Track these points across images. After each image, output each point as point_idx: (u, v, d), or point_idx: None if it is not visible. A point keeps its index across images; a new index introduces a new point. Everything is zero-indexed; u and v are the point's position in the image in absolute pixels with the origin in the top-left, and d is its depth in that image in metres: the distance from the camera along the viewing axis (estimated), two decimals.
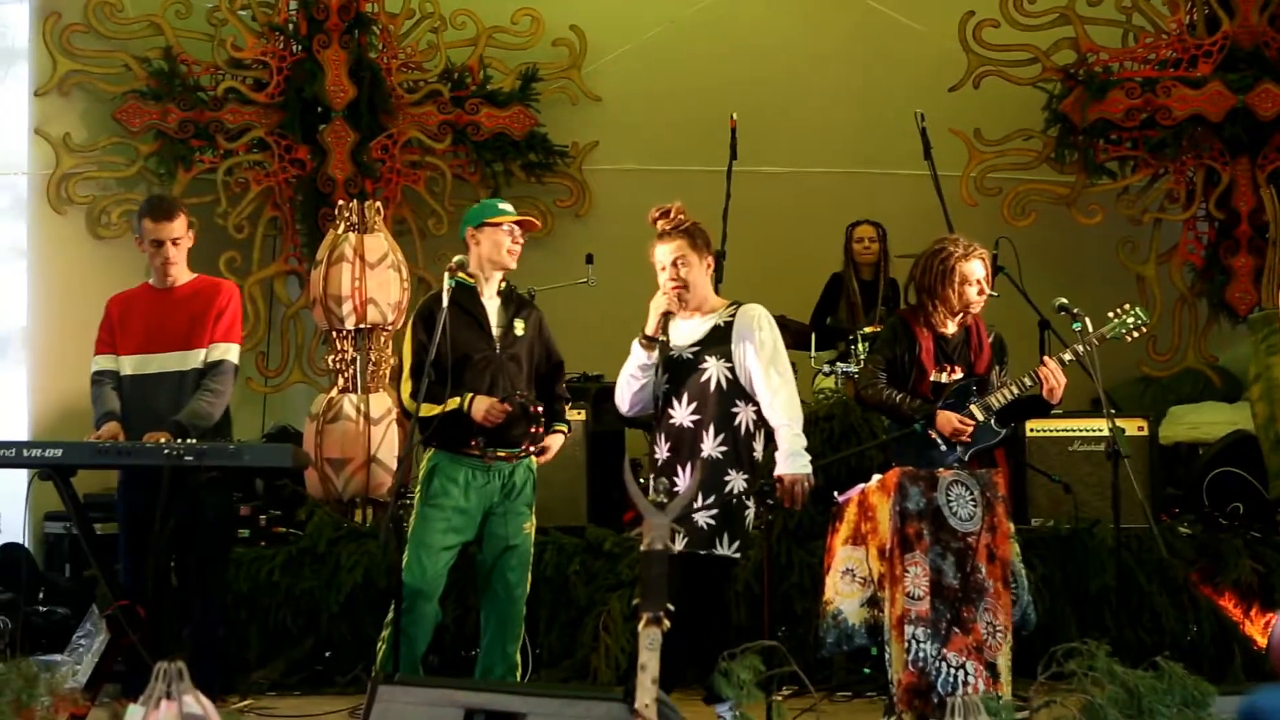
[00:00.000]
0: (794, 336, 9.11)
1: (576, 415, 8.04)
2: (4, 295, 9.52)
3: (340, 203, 8.53)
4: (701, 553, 5.84)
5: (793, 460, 5.93)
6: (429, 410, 6.18)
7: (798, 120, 10.37)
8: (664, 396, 6.10)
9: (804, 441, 6.00)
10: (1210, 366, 9.65)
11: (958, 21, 9.69)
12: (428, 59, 9.99)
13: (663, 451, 6.07)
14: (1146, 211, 9.74)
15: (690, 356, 6.02)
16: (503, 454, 6.20)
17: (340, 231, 8.34)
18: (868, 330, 8.51)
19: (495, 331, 6.30)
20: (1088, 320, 6.49)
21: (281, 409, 9.92)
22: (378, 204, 8.42)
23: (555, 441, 6.40)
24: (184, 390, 6.59)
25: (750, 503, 5.96)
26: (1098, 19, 9.66)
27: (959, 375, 6.47)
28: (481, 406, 6.10)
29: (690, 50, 10.36)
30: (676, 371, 6.05)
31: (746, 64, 10.33)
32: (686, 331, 6.10)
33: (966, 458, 6.34)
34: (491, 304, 6.36)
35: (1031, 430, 8.09)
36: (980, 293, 6.52)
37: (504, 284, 6.40)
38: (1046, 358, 6.45)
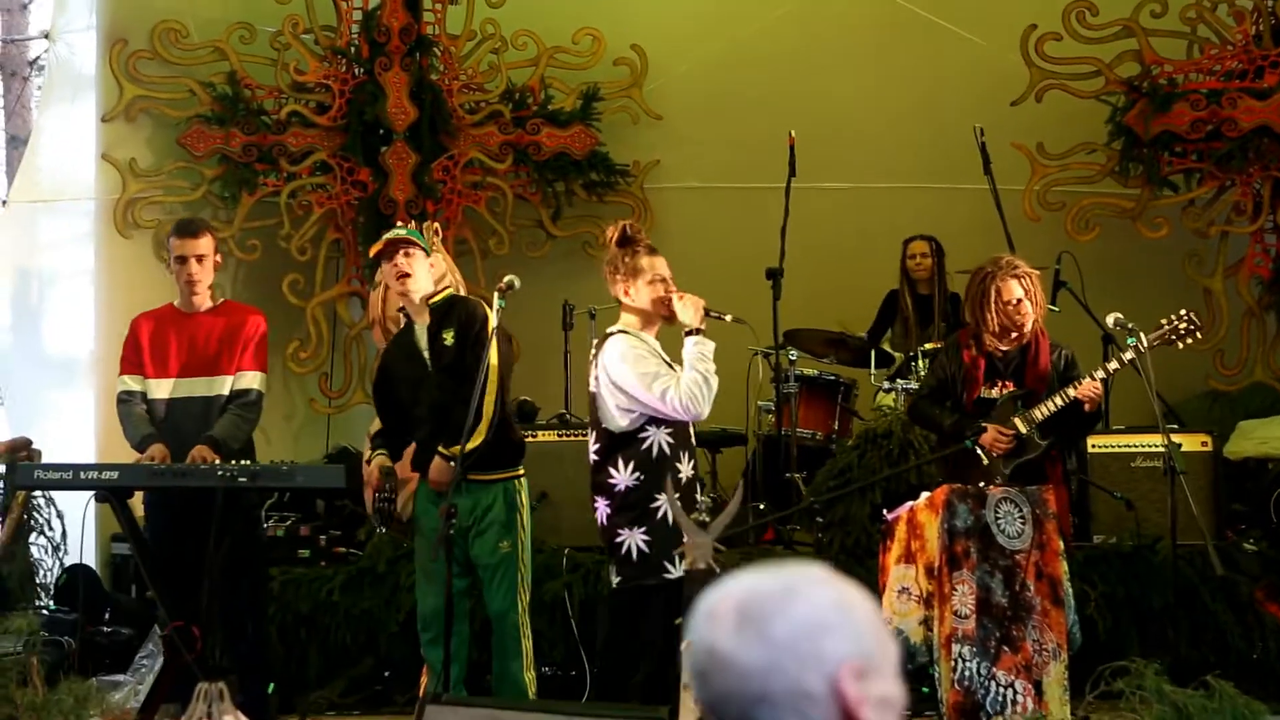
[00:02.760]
0: (853, 353, 9.12)
1: None
2: (73, 319, 9.67)
3: (399, 224, 8.60)
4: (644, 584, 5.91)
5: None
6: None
7: (859, 136, 10.34)
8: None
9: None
10: (1279, 380, 9.51)
11: (1019, 35, 9.60)
12: (489, 80, 10.02)
13: (688, 470, 6.20)
14: (1213, 224, 9.62)
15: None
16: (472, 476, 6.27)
17: None
18: (928, 346, 8.48)
19: (426, 355, 6.35)
20: (1142, 335, 6.45)
21: (345, 430, 9.99)
22: (435, 224, 8.46)
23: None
24: (210, 415, 6.72)
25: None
26: (1161, 30, 9.54)
27: (1010, 389, 6.46)
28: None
29: (751, 67, 10.35)
30: None
31: (807, 80, 10.31)
32: None
33: (1009, 471, 6.32)
34: (421, 326, 6.42)
35: (1094, 446, 8.05)
36: (1020, 311, 6.50)
37: (440, 298, 6.43)
38: (1089, 375, 6.47)
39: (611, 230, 6.31)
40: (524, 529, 6.48)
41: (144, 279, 9.41)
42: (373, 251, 6.66)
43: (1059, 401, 6.41)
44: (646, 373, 5.98)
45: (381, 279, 8.30)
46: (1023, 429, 6.42)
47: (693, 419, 6.10)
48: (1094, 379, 6.47)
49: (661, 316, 6.19)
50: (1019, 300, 6.53)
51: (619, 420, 6.06)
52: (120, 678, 7.22)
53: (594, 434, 6.21)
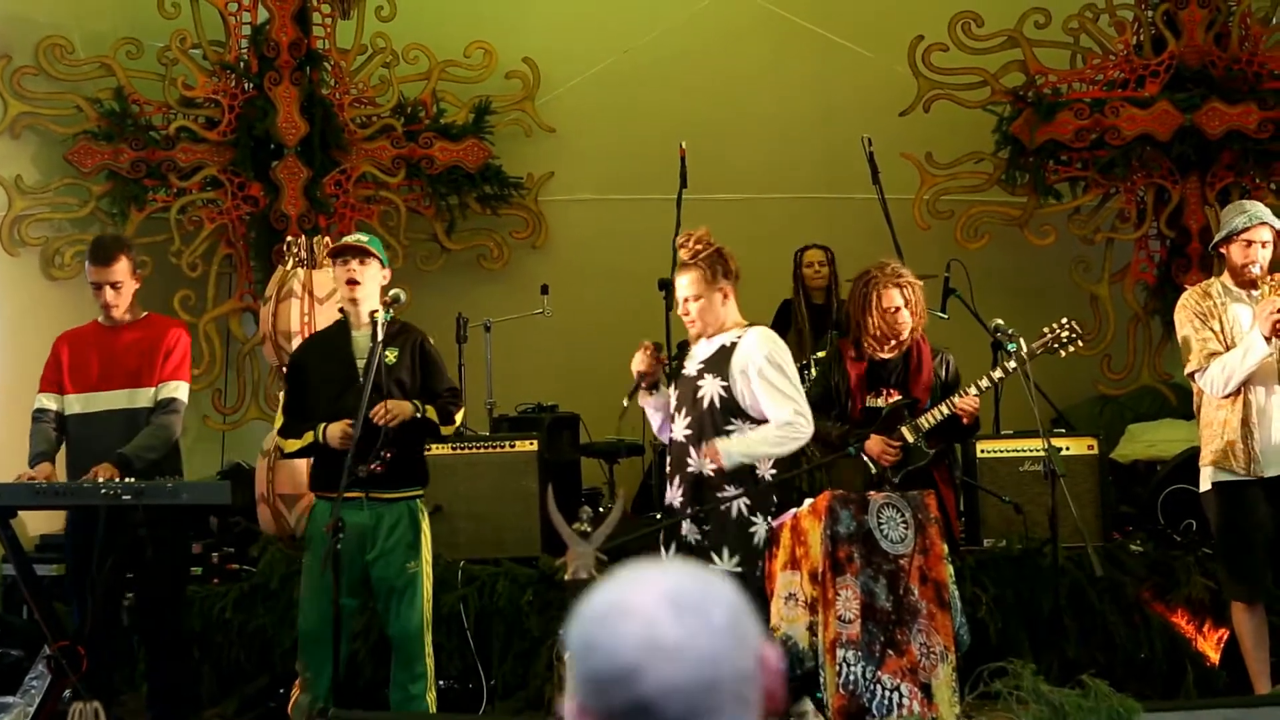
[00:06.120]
0: None
1: (528, 445, 8.09)
2: None
3: (289, 239, 8.58)
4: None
5: (735, 444, 5.97)
6: (292, 445, 6.45)
7: (751, 147, 10.42)
8: (674, 412, 6.20)
9: (762, 451, 5.99)
10: (1165, 384, 9.66)
11: (907, 46, 9.72)
12: (380, 94, 10.01)
13: (668, 466, 6.20)
14: (1098, 231, 9.78)
15: (694, 374, 6.12)
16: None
17: (289, 267, 8.39)
18: (819, 355, 8.54)
19: (359, 362, 6.37)
20: (1023, 341, 6.55)
21: (240, 446, 9.93)
22: (327, 239, 8.46)
23: (404, 407, 6.36)
24: (134, 428, 6.70)
25: (757, 519, 6.01)
26: (1045, 41, 9.69)
27: (896, 398, 6.53)
28: (334, 432, 6.27)
29: (643, 80, 10.39)
30: (684, 389, 6.15)
31: (699, 93, 10.38)
32: (701, 352, 6.19)
33: (897, 479, 6.40)
34: (361, 335, 6.45)
35: (982, 451, 8.14)
36: (898, 320, 6.59)
37: (377, 314, 6.40)
38: (969, 388, 6.55)
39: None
40: (427, 547, 6.50)
41: (31, 296, 9.33)
42: (329, 250, 6.69)
43: (944, 411, 6.49)
44: None
45: (271, 294, 8.31)
46: (910, 438, 6.51)
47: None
48: (971, 393, 6.54)
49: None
50: (897, 309, 6.61)
51: None
52: (10, 699, 7.14)
53: None
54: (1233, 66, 9.52)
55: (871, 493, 5.98)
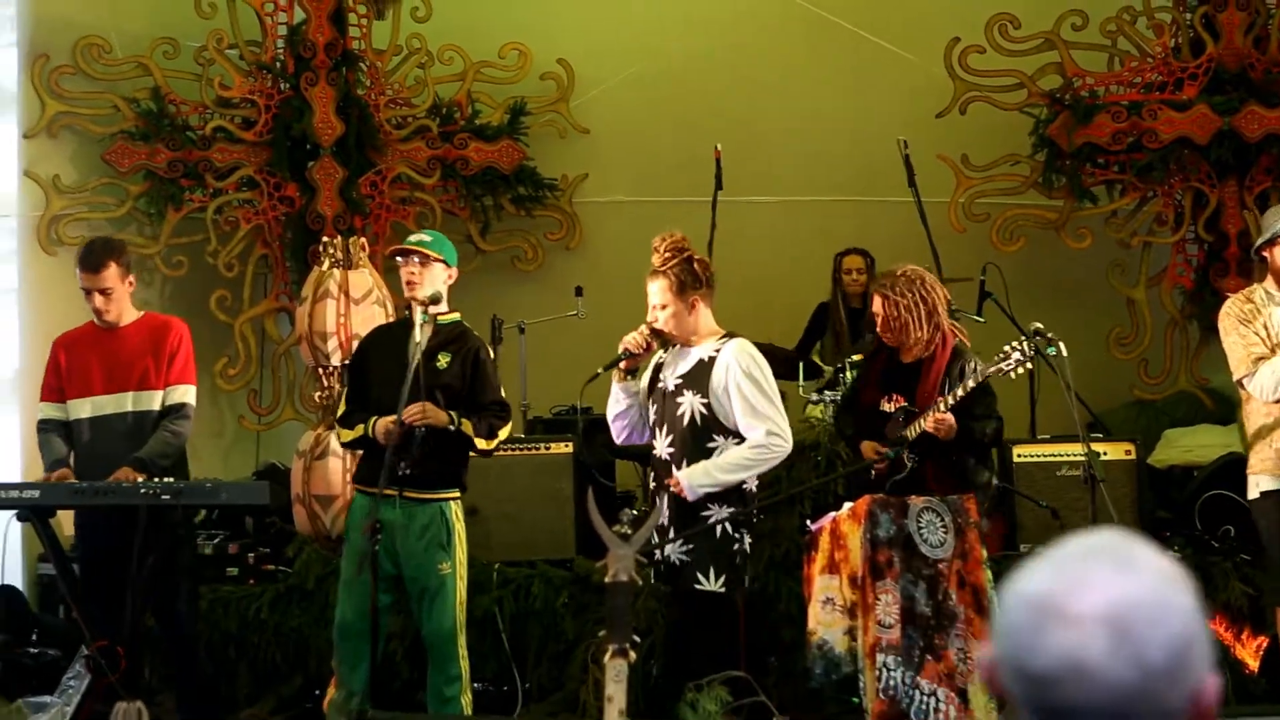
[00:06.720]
0: (781, 365, 9.15)
1: (563, 447, 8.09)
2: None
3: (325, 239, 8.59)
4: (684, 588, 5.86)
5: (699, 475, 5.90)
6: (347, 435, 6.45)
7: (787, 150, 10.40)
8: (652, 427, 6.15)
9: (726, 478, 5.91)
10: (1202, 389, 9.60)
11: (943, 48, 9.69)
12: (415, 94, 10.03)
13: (651, 482, 6.16)
14: (1135, 235, 9.74)
15: (673, 389, 6.06)
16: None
17: (325, 268, 8.40)
18: (855, 358, 8.53)
19: (413, 363, 6.39)
20: (1062, 345, 6.49)
21: (275, 447, 9.95)
22: (362, 240, 8.47)
23: (439, 415, 6.32)
24: (143, 431, 6.66)
25: (742, 536, 5.97)
26: (1083, 43, 9.65)
27: (901, 404, 6.49)
28: (381, 427, 6.26)
29: (678, 82, 10.39)
30: (662, 404, 6.10)
31: (734, 94, 10.37)
32: (675, 364, 6.13)
33: (888, 486, 6.35)
34: (421, 335, 6.43)
35: (1019, 456, 8.12)
36: (883, 326, 6.54)
37: (448, 319, 6.45)
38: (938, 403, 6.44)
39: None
40: (461, 549, 6.50)
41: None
42: (389, 251, 6.70)
43: (919, 426, 6.39)
44: None
45: (307, 295, 8.33)
46: (895, 448, 6.48)
47: None
48: (941, 408, 6.38)
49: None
50: (880, 317, 6.57)
51: None
52: (47, 699, 7.17)
53: None
54: (1272, 69, 9.45)
55: (911, 497, 5.96)
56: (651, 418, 6.15)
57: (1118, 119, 9.48)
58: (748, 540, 5.99)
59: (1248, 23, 9.46)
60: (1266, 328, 6.46)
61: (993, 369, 6.34)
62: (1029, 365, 6.46)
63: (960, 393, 6.30)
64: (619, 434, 6.37)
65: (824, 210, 10.28)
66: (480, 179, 10.01)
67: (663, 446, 6.06)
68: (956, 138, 9.76)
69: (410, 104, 10.04)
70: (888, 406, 6.56)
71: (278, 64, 9.83)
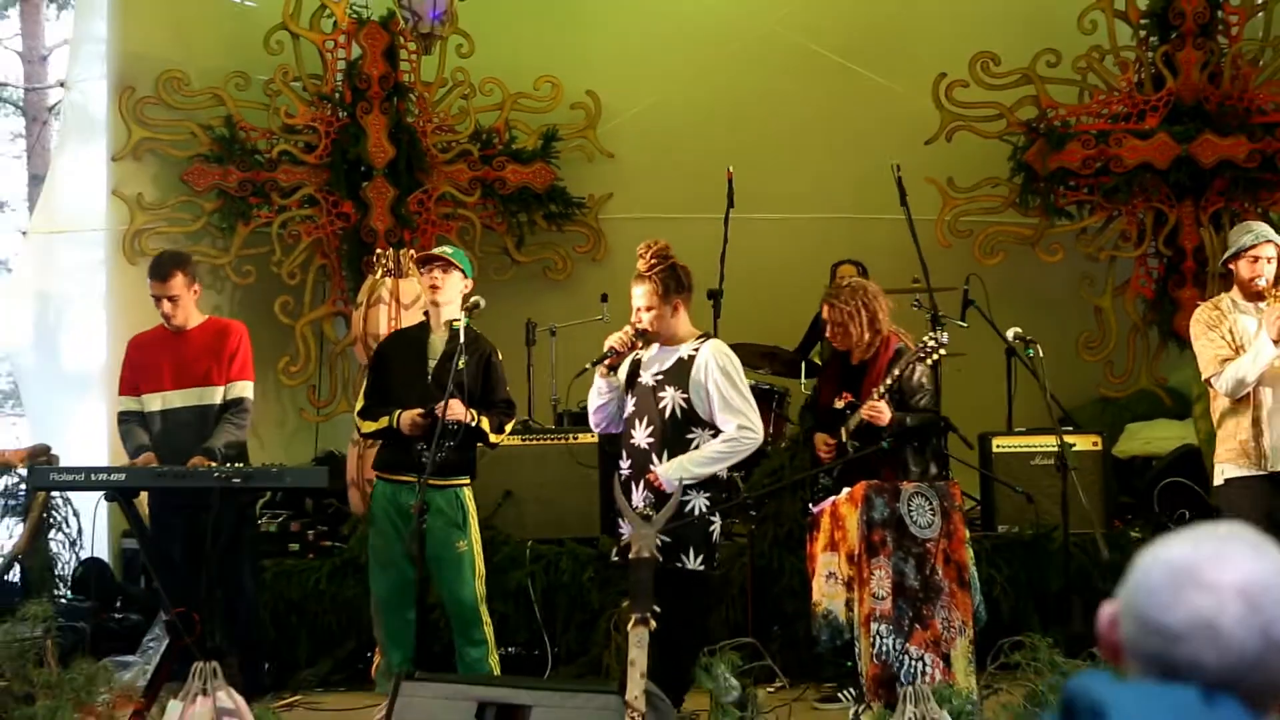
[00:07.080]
0: (785, 365, 9.17)
1: (589, 437, 8.08)
2: (87, 338, 9.63)
3: (378, 251, 8.60)
4: (668, 567, 5.77)
5: (675, 470, 5.83)
6: (368, 426, 6.46)
7: (791, 173, 10.38)
8: (629, 418, 6.09)
9: (700, 471, 5.84)
10: (1161, 387, 9.59)
11: (931, 82, 9.69)
12: (459, 122, 10.04)
13: (624, 469, 6.07)
14: (1102, 250, 9.71)
15: (653, 384, 6.02)
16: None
17: (378, 276, 8.42)
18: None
19: (431, 361, 6.38)
20: (1039, 347, 6.50)
21: (332, 436, 9.98)
22: (412, 251, 8.49)
23: (459, 409, 6.28)
24: (207, 423, 6.74)
25: (716, 518, 5.92)
26: (1056, 79, 9.65)
27: (849, 400, 6.50)
28: (407, 419, 6.28)
29: (694, 111, 10.39)
30: (641, 398, 6.05)
31: (744, 122, 10.37)
32: (655, 361, 6.09)
33: (834, 474, 6.35)
34: (438, 339, 6.48)
35: (998, 447, 8.13)
36: (831, 332, 6.56)
37: (455, 324, 6.39)
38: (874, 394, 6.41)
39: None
40: (475, 528, 6.50)
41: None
42: (415, 258, 6.71)
43: (861, 416, 6.41)
44: None
45: (362, 301, 8.35)
46: (843, 438, 6.50)
47: None
48: (874, 399, 6.35)
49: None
50: (828, 324, 6.60)
51: None
52: (130, 659, 7.21)
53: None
54: (1225, 103, 9.43)
55: (904, 482, 5.96)
56: (629, 410, 6.08)
57: (1087, 146, 9.46)
58: (719, 523, 5.94)
59: (1203, 61, 9.44)
60: (1232, 332, 6.48)
61: (913, 358, 6.35)
62: (941, 354, 6.43)
63: (889, 381, 6.32)
64: (597, 424, 6.31)
65: (824, 226, 10.26)
66: (516, 197, 10.01)
67: (642, 436, 5.98)
68: (943, 162, 9.74)
69: (454, 130, 10.04)
70: (839, 404, 6.57)
71: (337, 95, 9.84)
